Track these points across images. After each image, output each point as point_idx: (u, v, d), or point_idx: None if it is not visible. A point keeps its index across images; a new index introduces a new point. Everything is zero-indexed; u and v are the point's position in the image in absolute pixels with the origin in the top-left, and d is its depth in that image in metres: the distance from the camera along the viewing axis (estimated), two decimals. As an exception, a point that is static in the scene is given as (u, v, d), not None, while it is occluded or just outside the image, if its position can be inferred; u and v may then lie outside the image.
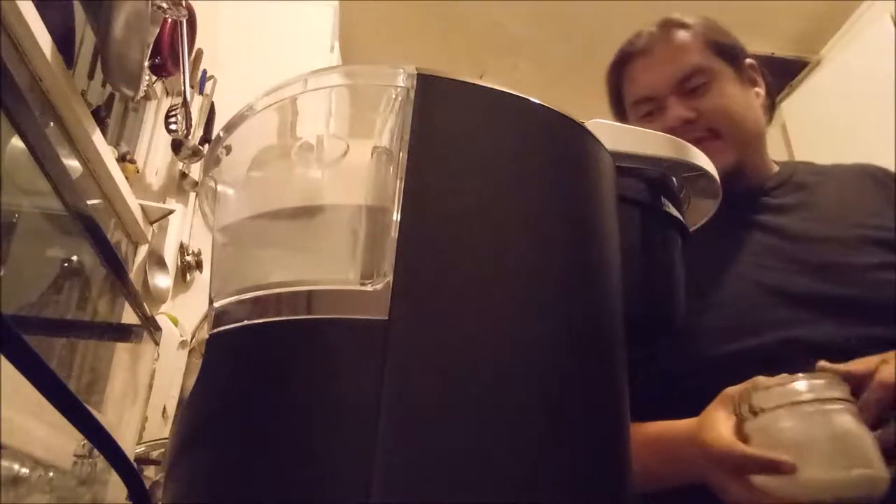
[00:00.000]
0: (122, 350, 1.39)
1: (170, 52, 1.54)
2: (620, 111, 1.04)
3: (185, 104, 1.65)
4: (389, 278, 0.34)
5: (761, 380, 0.61)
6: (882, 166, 0.99)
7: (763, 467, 0.56)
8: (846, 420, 0.54)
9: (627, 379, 0.40)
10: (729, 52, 0.96)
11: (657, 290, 0.49)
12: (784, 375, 0.59)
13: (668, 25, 0.99)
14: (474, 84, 0.40)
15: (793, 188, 0.95)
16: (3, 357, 0.36)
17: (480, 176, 0.38)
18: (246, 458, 0.34)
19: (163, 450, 1.26)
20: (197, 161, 1.76)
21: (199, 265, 1.87)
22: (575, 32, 2.72)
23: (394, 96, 0.39)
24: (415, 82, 0.39)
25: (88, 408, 0.42)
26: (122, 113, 1.64)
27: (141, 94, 1.41)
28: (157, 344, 1.46)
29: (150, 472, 1.27)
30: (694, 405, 0.68)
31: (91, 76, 1.36)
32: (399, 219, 0.35)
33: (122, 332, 1.40)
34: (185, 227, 1.87)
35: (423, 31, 2.83)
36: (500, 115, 0.40)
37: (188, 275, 1.85)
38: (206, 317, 0.41)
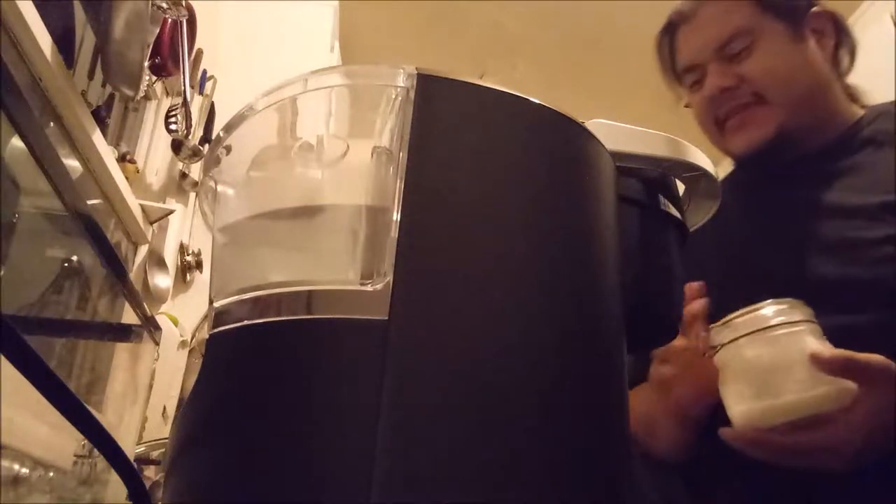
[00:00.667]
0: (122, 350, 1.39)
1: (170, 52, 1.54)
2: (675, 79, 0.99)
3: (185, 104, 1.65)
4: (389, 278, 0.34)
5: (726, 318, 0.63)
6: None
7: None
8: (814, 340, 0.57)
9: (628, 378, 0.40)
10: (782, 6, 0.89)
11: (656, 289, 0.48)
12: (749, 307, 0.61)
13: None
14: (474, 84, 0.40)
15: (856, 146, 0.86)
16: (3, 357, 0.36)
17: (480, 176, 0.38)
18: (246, 458, 0.34)
19: (163, 450, 1.26)
20: (197, 161, 1.76)
21: (199, 265, 1.87)
22: (575, 32, 2.72)
23: (394, 96, 0.39)
24: (415, 82, 0.39)
25: (88, 408, 0.42)
26: (122, 113, 1.64)
27: (141, 94, 1.41)
28: (157, 344, 1.46)
29: (150, 472, 1.27)
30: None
31: (91, 76, 1.36)
32: (399, 219, 0.35)
33: (122, 332, 1.41)
34: (185, 227, 1.87)
35: (423, 31, 2.83)
36: (500, 115, 0.40)
37: (188, 275, 1.86)
38: (206, 317, 0.41)
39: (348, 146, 0.42)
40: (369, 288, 0.34)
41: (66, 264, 1.24)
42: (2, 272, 1.00)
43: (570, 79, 2.87)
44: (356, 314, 0.34)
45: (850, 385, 0.58)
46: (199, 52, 1.79)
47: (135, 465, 0.90)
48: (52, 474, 1.00)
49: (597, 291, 0.40)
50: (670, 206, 0.50)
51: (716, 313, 0.67)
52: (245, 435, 0.34)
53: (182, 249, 1.84)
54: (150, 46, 1.41)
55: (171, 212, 1.71)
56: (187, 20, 1.56)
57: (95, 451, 1.05)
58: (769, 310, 0.60)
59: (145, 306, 1.41)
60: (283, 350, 0.35)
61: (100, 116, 1.32)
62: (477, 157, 0.38)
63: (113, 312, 1.45)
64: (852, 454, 0.59)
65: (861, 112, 0.91)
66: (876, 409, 0.58)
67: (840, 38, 0.92)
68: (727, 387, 0.61)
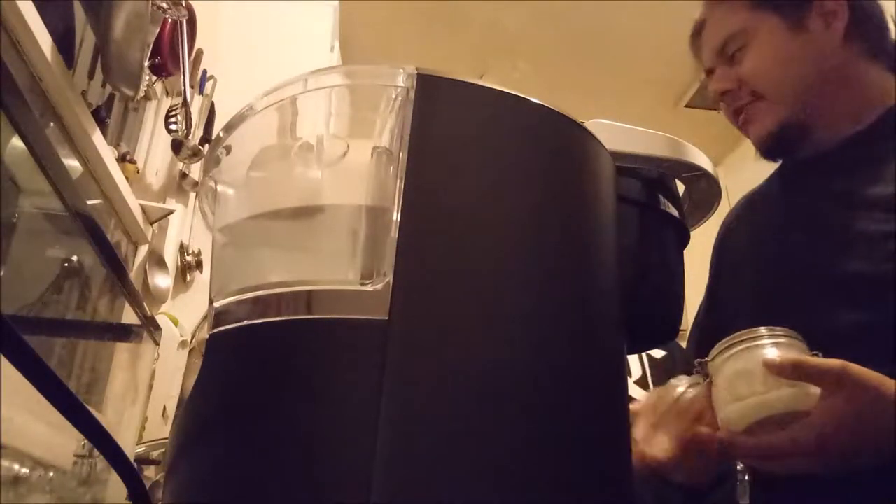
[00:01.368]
0: (122, 350, 1.39)
1: (170, 52, 1.54)
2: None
3: (185, 104, 1.65)
4: (389, 278, 0.34)
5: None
6: None
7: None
8: (773, 350, 0.63)
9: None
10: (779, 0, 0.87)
11: (656, 289, 0.49)
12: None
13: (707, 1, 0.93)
14: (474, 84, 0.40)
15: (880, 136, 0.83)
16: (3, 357, 0.36)
17: (480, 176, 0.38)
18: (246, 457, 0.34)
19: (163, 450, 1.26)
20: (197, 161, 1.76)
21: (199, 265, 1.87)
22: (575, 32, 2.72)
23: (394, 96, 0.39)
24: (415, 82, 0.39)
25: (88, 408, 0.42)
26: (122, 113, 1.64)
27: (141, 94, 1.41)
28: (157, 344, 1.46)
29: (150, 472, 1.27)
30: None
31: (91, 76, 1.36)
32: (399, 219, 0.35)
33: (122, 332, 1.40)
34: (185, 227, 1.87)
35: (423, 31, 2.83)
36: (500, 115, 0.40)
37: (188, 275, 1.86)
38: (206, 317, 0.41)
39: (348, 146, 0.42)
40: (369, 288, 0.34)
41: (66, 264, 1.24)
42: (2, 272, 1.00)
43: (570, 79, 2.87)
44: (356, 314, 0.34)
45: (811, 389, 0.61)
46: (199, 52, 1.79)
47: (135, 465, 0.90)
48: (52, 474, 1.00)
49: (596, 291, 0.40)
50: (670, 206, 0.50)
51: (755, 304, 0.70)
52: (245, 435, 0.34)
53: (182, 249, 1.84)
54: (150, 46, 1.41)
55: (171, 212, 1.71)
56: (187, 20, 1.56)
57: (95, 451, 1.05)
58: (743, 333, 0.66)
59: (145, 306, 1.41)
60: (283, 350, 0.35)
61: (100, 116, 1.32)
62: (477, 157, 0.38)
63: (113, 312, 1.45)
64: (812, 454, 0.60)
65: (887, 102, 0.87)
66: (834, 412, 0.60)
67: (858, 14, 0.88)
68: (714, 402, 0.66)
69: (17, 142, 0.94)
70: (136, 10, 1.25)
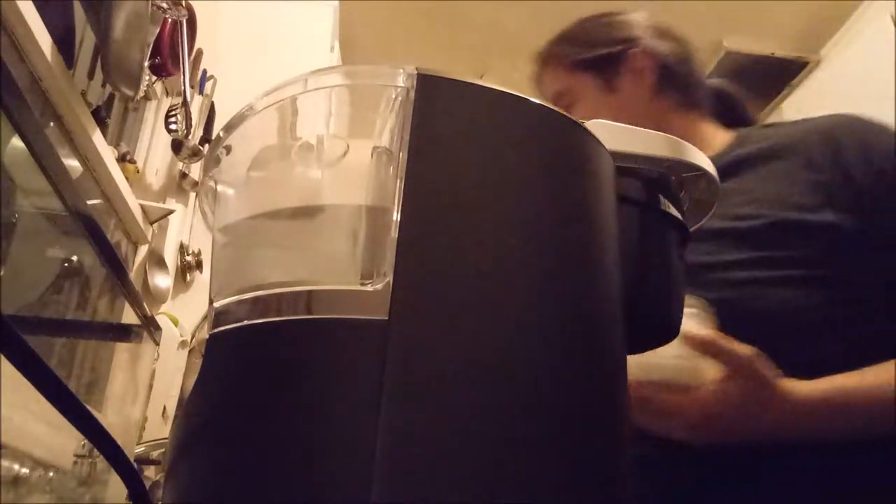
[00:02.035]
0: (122, 350, 1.39)
1: (170, 52, 1.54)
2: None
3: (185, 104, 1.65)
4: (389, 278, 0.34)
5: None
6: (862, 121, 0.88)
7: None
8: (691, 322, 0.65)
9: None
10: (593, 62, 0.96)
11: (655, 290, 0.48)
12: None
13: (539, 56, 1.02)
14: (474, 84, 0.40)
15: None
16: (3, 357, 0.36)
17: (480, 176, 0.38)
18: (246, 458, 0.34)
19: (163, 450, 1.26)
20: (197, 161, 1.76)
21: (199, 265, 1.88)
22: (575, 32, 2.72)
23: (394, 96, 0.39)
24: (415, 82, 0.38)
25: (88, 408, 0.42)
26: (122, 113, 1.64)
27: (141, 94, 1.41)
28: (157, 344, 1.46)
29: (150, 472, 1.27)
30: None
31: (91, 76, 1.36)
32: (399, 219, 0.35)
33: (122, 332, 1.41)
34: (185, 227, 1.87)
35: (423, 31, 2.83)
36: (500, 115, 0.40)
37: (188, 275, 1.86)
38: (206, 317, 0.41)
39: (348, 146, 0.42)
40: (369, 288, 0.34)
41: (66, 264, 1.24)
42: (2, 272, 1.00)
43: (570, 79, 2.87)
44: (356, 314, 0.34)
45: (708, 365, 0.66)
46: (199, 52, 1.79)
47: (135, 465, 0.90)
48: (52, 474, 1.00)
49: (597, 292, 0.40)
50: (670, 206, 0.50)
51: None
52: (245, 435, 0.34)
53: (182, 249, 1.84)
54: (150, 46, 1.41)
55: (171, 212, 1.71)
56: (187, 20, 1.56)
57: (95, 451, 1.05)
58: None
59: (145, 306, 1.41)
60: (282, 350, 0.35)
61: (100, 116, 1.32)
62: (477, 157, 0.38)
63: (113, 312, 1.45)
64: (692, 425, 0.66)
65: (725, 139, 0.93)
66: (726, 394, 0.65)
67: (667, 71, 0.95)
68: None
69: (17, 142, 0.94)
70: (136, 10, 1.26)
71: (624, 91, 0.94)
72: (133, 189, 1.51)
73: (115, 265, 1.27)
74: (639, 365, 0.65)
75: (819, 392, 0.66)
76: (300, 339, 0.35)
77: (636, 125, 0.91)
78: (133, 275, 1.59)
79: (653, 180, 0.49)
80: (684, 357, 0.65)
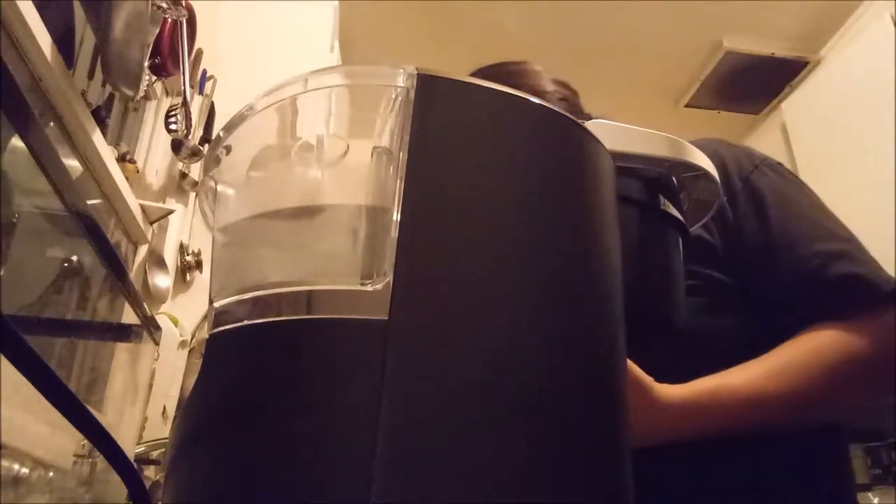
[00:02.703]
0: (122, 350, 1.39)
1: (170, 52, 1.54)
2: None
3: (185, 104, 1.65)
4: (389, 278, 0.34)
5: None
6: (726, 146, 0.86)
7: None
8: None
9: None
10: None
11: (656, 289, 0.49)
12: None
13: None
14: (474, 84, 0.40)
15: None
16: (3, 357, 0.36)
17: (480, 176, 0.38)
18: (246, 458, 0.34)
19: (163, 450, 1.26)
20: (197, 161, 1.76)
21: (199, 265, 1.87)
22: (575, 32, 2.72)
23: (394, 96, 0.39)
24: (415, 82, 0.39)
25: (88, 408, 0.42)
26: (122, 113, 1.64)
27: (141, 94, 1.41)
28: (157, 344, 1.46)
29: (150, 472, 1.27)
30: None
31: (91, 76, 1.36)
32: (399, 219, 0.35)
33: (122, 332, 1.40)
34: (185, 227, 1.87)
35: (423, 31, 2.83)
36: (500, 115, 0.40)
37: (188, 275, 1.85)
38: (206, 317, 0.41)
39: (348, 146, 0.42)
40: (369, 288, 0.34)
41: (66, 264, 1.24)
42: (2, 272, 1.00)
43: (571, 79, 2.87)
44: (356, 314, 0.34)
45: None
46: (199, 52, 1.79)
47: (135, 465, 0.90)
48: (52, 474, 1.00)
49: (596, 291, 0.40)
50: (670, 206, 0.50)
51: None
52: (245, 435, 0.34)
53: (182, 249, 1.84)
54: (150, 46, 1.41)
55: (171, 212, 1.71)
56: (187, 20, 1.55)
57: (95, 451, 1.05)
58: None
59: (145, 306, 1.41)
60: (283, 350, 0.35)
61: (100, 116, 1.31)
62: (477, 157, 0.38)
63: (113, 312, 1.45)
64: None
65: None
66: None
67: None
68: None
69: (17, 142, 0.94)
70: (136, 10, 1.25)
71: None
72: (133, 189, 1.51)
73: (115, 265, 1.27)
74: None
75: (687, 393, 0.67)
76: (300, 339, 0.35)
77: None
78: (133, 275, 1.59)
79: (653, 180, 0.49)
80: None
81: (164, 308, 1.74)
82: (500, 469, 0.32)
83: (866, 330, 0.70)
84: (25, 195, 1.07)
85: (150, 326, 1.41)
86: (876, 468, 2.16)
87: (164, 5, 1.40)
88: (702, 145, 0.84)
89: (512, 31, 2.75)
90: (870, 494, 2.13)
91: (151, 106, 1.78)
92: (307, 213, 0.43)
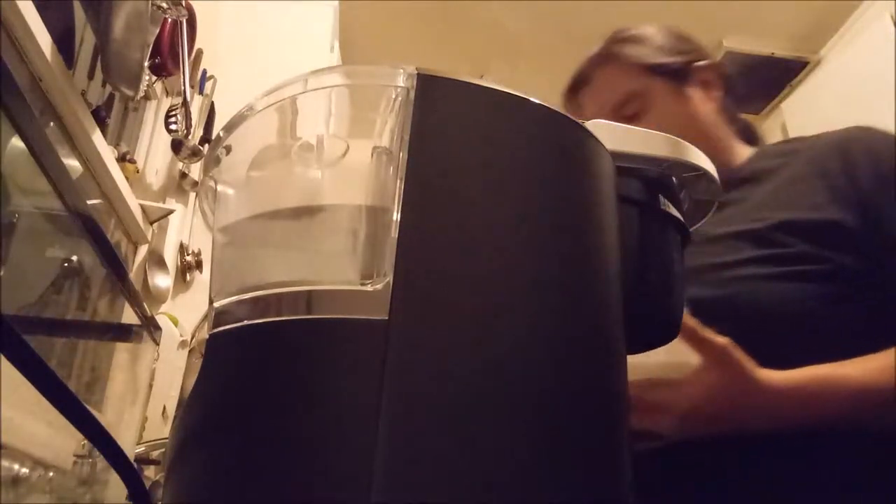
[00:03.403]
0: (122, 350, 1.39)
1: (170, 52, 1.54)
2: None
3: (185, 104, 1.65)
4: (389, 278, 0.34)
5: None
6: (874, 131, 0.88)
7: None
8: None
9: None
10: (669, 69, 0.98)
11: (656, 289, 0.49)
12: None
13: (605, 53, 1.03)
14: (474, 84, 0.40)
15: (734, 185, 0.92)
16: (3, 357, 0.36)
17: (480, 176, 0.38)
18: (246, 458, 0.34)
19: (163, 450, 1.26)
20: (197, 161, 1.76)
21: (199, 265, 1.87)
22: (575, 32, 2.72)
23: (394, 96, 0.39)
24: (415, 82, 0.39)
25: (88, 408, 0.42)
26: (122, 113, 1.64)
27: (141, 94, 1.41)
28: (157, 344, 1.46)
29: (150, 472, 1.27)
30: None
31: (91, 76, 1.36)
32: (399, 219, 0.35)
33: (122, 332, 1.40)
34: (185, 227, 1.87)
35: (423, 31, 2.83)
36: (500, 115, 0.40)
37: (188, 275, 1.86)
38: (206, 317, 0.41)
39: (348, 146, 0.42)
40: (369, 288, 0.34)
41: (66, 264, 1.24)
42: (2, 272, 1.00)
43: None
44: (356, 314, 0.34)
45: (688, 360, 0.67)
46: (199, 52, 1.79)
47: (135, 465, 0.90)
48: (52, 474, 1.00)
49: (597, 292, 0.40)
50: (670, 206, 0.50)
51: None
52: (245, 435, 0.34)
53: (182, 249, 1.84)
54: (150, 46, 1.41)
55: (171, 212, 1.71)
56: (187, 20, 1.56)
57: (95, 451, 1.05)
58: None
59: (145, 306, 1.41)
60: (283, 350, 0.35)
61: (100, 116, 1.32)
62: (477, 157, 0.38)
63: (113, 312, 1.45)
64: (678, 418, 0.67)
65: (748, 153, 0.99)
66: (709, 385, 0.67)
67: (727, 87, 1.01)
68: None
69: (17, 142, 0.94)
70: (136, 10, 1.25)
71: (693, 101, 0.98)
72: (133, 189, 1.51)
73: (115, 265, 1.27)
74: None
75: (794, 381, 0.67)
76: (300, 339, 0.35)
77: (704, 135, 0.95)
78: (133, 275, 1.59)
79: (653, 180, 0.49)
80: (667, 353, 0.67)
81: (164, 308, 1.74)
82: (500, 469, 0.32)
83: None
84: (25, 195, 1.07)
85: (150, 326, 1.41)
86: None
87: (164, 5, 1.40)
88: (853, 136, 0.84)
89: (512, 31, 2.76)
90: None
91: (151, 106, 1.78)
92: (307, 213, 0.43)
